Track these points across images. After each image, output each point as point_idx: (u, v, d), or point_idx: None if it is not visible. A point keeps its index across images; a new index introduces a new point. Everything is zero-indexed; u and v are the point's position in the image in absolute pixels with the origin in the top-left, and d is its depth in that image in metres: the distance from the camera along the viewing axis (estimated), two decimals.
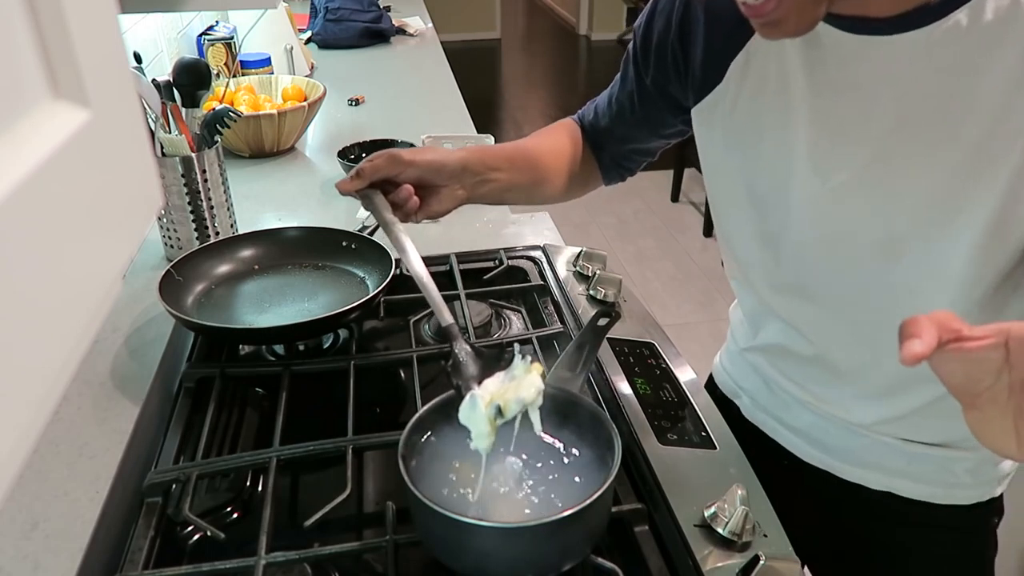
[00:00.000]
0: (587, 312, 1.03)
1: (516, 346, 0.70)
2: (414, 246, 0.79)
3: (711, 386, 1.05)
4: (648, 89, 0.90)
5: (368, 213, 1.10)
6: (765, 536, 0.70)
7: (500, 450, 0.69)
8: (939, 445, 0.82)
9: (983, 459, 0.83)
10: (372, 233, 1.07)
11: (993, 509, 0.88)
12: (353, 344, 0.99)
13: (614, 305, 1.05)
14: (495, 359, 0.70)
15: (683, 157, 3.77)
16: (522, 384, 0.66)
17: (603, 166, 1.02)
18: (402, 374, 1.00)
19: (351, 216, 1.40)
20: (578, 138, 1.01)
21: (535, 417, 0.67)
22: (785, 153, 0.75)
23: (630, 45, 0.92)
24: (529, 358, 0.68)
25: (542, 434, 0.68)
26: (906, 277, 0.72)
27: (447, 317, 0.75)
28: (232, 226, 1.27)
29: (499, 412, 0.65)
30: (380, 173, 0.80)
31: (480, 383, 0.68)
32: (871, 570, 0.93)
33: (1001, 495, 0.88)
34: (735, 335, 1.00)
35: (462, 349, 0.74)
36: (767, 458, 0.86)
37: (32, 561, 0.71)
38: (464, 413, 0.66)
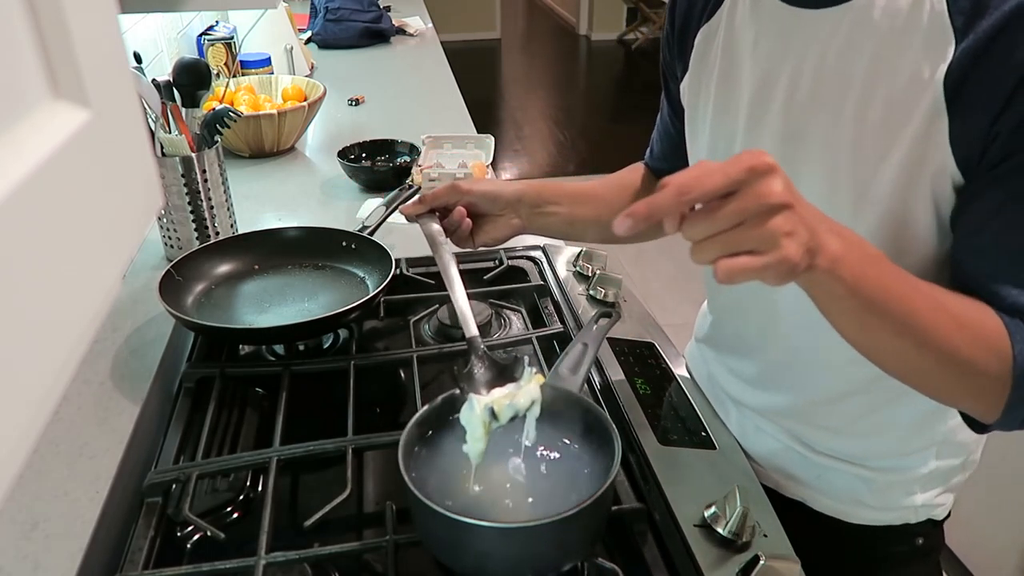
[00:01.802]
0: (587, 312, 1.03)
1: (526, 359, 0.71)
2: (457, 268, 0.80)
3: None
4: (675, 92, 0.91)
5: (368, 213, 1.11)
6: (765, 536, 0.70)
7: (501, 450, 0.69)
8: (844, 460, 0.83)
9: (891, 483, 0.83)
10: (372, 233, 1.07)
11: (915, 532, 0.87)
12: (353, 344, 0.99)
13: (614, 305, 1.06)
14: (508, 371, 0.71)
15: None
16: (520, 392, 0.67)
17: None
18: (402, 374, 0.99)
19: (351, 216, 1.40)
20: (642, 174, 1.02)
21: (530, 426, 0.68)
22: (730, 128, 0.78)
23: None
24: (534, 368, 0.70)
25: (526, 442, 0.69)
26: None
27: (472, 329, 0.76)
28: (232, 226, 1.27)
29: (493, 415, 0.66)
30: (439, 200, 0.85)
31: (488, 391, 0.69)
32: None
33: (928, 521, 0.86)
34: (696, 327, 1.03)
35: (480, 359, 0.75)
36: None
37: (32, 561, 0.71)
38: (464, 415, 0.67)
